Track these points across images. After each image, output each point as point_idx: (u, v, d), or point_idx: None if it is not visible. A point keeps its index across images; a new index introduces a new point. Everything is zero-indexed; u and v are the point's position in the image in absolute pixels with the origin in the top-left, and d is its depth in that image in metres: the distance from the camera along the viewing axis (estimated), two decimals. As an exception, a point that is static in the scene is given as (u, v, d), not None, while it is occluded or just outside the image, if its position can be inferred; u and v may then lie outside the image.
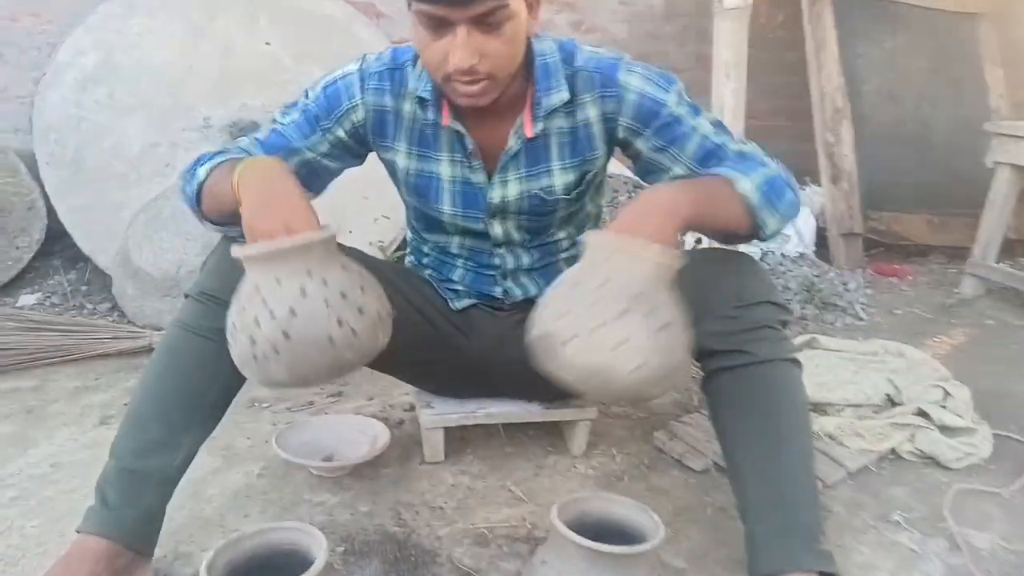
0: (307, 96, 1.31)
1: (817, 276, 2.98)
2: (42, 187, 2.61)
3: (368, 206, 2.72)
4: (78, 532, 1.14)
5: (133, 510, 1.15)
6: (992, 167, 2.90)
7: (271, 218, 1.02)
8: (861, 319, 2.72)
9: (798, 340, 2.16)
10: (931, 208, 3.61)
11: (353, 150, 1.35)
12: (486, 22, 1.07)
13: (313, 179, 1.35)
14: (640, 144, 1.28)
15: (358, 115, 1.30)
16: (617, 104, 1.25)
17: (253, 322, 0.98)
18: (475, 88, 1.12)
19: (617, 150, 1.36)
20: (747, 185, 1.15)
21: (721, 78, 2.13)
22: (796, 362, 1.19)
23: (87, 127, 2.61)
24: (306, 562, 1.01)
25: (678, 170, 1.27)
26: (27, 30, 2.78)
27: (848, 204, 3.33)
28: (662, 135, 1.25)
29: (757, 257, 3.05)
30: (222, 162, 1.21)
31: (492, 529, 1.42)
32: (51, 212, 2.61)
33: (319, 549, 1.02)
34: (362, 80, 1.28)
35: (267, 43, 2.79)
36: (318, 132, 1.30)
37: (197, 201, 1.24)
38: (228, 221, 1.19)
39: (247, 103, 2.73)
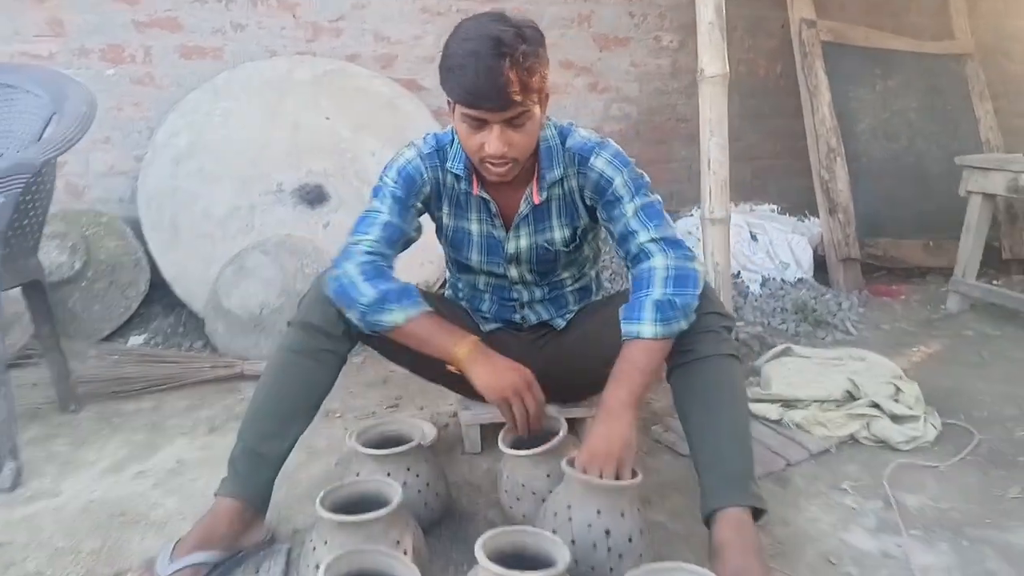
0: (386, 183, 1.64)
1: (814, 298, 3.30)
2: (145, 247, 3.12)
3: (416, 254, 3.16)
4: (216, 495, 1.54)
5: (256, 479, 1.56)
6: (965, 196, 3.24)
7: (506, 379, 1.53)
8: (851, 334, 3.03)
9: (775, 349, 2.53)
10: (928, 234, 3.90)
11: (419, 216, 1.70)
12: (514, 122, 1.45)
13: (402, 249, 1.68)
14: (598, 213, 1.68)
15: (427, 190, 1.68)
16: (584, 180, 1.66)
17: None
18: (503, 169, 1.53)
19: None
20: (649, 328, 1.46)
21: (707, 134, 2.53)
22: (734, 356, 1.56)
23: (181, 196, 3.13)
24: (386, 503, 1.39)
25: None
26: (129, 117, 3.34)
27: (845, 233, 3.68)
28: (607, 209, 1.62)
29: (759, 282, 3.43)
30: (417, 315, 1.53)
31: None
32: (154, 267, 3.12)
33: (395, 495, 1.42)
34: (422, 161, 1.67)
35: (327, 118, 3.29)
36: (410, 211, 1.64)
37: (378, 326, 1.53)
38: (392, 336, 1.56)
39: (312, 169, 3.23)
